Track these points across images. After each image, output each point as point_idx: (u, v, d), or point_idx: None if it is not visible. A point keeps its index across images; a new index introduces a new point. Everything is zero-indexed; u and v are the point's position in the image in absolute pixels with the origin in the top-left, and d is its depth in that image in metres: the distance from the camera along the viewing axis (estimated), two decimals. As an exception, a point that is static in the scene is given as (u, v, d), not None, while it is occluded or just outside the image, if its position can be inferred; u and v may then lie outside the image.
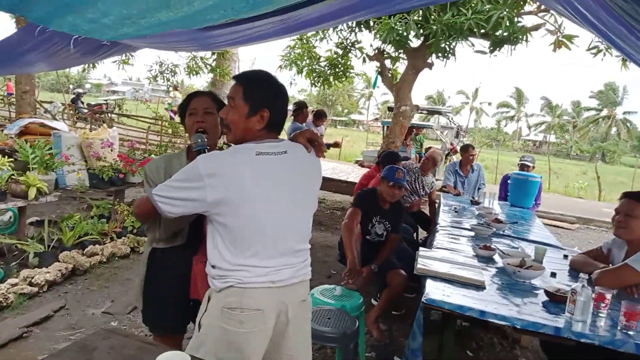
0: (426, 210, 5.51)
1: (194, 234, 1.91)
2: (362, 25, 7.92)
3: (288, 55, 8.67)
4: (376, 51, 8.24)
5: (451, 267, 2.49)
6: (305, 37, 8.66)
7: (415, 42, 7.29)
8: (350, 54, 8.66)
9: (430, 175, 5.14)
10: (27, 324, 3.10)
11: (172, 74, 8.95)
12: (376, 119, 53.59)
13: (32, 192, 3.90)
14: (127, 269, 4.33)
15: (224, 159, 1.51)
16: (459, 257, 2.78)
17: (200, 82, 44.32)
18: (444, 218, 4.16)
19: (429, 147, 9.64)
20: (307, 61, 8.69)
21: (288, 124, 6.20)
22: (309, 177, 1.67)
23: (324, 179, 7.85)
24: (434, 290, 2.17)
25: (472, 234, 3.62)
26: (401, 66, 8.46)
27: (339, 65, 8.83)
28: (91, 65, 10.35)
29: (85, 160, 5.17)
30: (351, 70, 8.97)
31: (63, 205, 5.64)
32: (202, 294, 1.74)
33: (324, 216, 7.49)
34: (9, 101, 12.82)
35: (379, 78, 8.51)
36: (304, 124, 6.09)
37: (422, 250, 2.84)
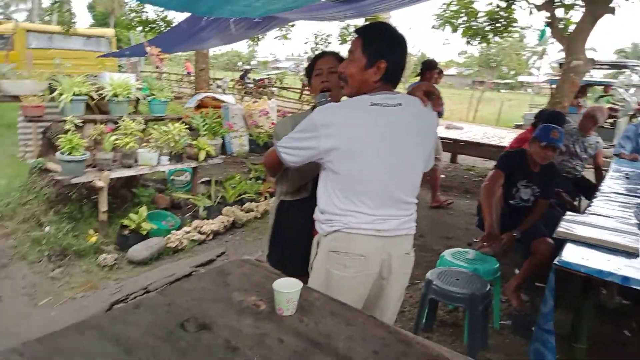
0: (591, 177, 4.82)
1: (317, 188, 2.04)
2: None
3: (442, 13, 8.26)
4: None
5: (599, 232, 2.19)
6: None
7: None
8: (513, 6, 7.85)
9: (593, 134, 4.44)
10: (195, 265, 3.69)
11: (326, 44, 9.30)
12: (548, 80, 47.56)
13: (202, 155, 4.57)
14: (277, 224, 4.80)
15: (338, 109, 1.58)
16: (614, 223, 2.42)
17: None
18: (609, 184, 3.63)
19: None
20: (464, 18, 8.16)
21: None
22: (421, 130, 1.64)
23: (474, 144, 7.43)
24: (572, 254, 1.95)
25: (640, 201, 3.08)
26: (575, 15, 7.33)
27: (500, 19, 8.08)
28: (256, 43, 11.37)
29: (247, 128, 5.81)
30: (514, 24, 8.15)
31: (227, 168, 6.44)
32: None
33: (471, 183, 7.10)
34: (189, 79, 15.00)
35: (547, 30, 7.52)
36: None
37: (568, 215, 2.54)
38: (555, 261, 1.90)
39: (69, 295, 3.11)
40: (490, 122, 15.10)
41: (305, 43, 9.57)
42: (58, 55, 13.20)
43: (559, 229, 2.25)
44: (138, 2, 8.87)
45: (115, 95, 4.15)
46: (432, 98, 1.66)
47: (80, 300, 3.05)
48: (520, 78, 56.14)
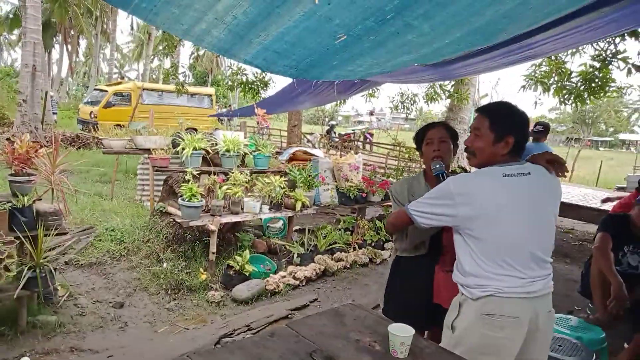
0: None
1: (434, 245, 2.18)
2: (624, 34, 6.93)
3: (532, 74, 8.25)
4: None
5: None
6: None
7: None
8: (610, 66, 7.65)
9: None
10: (291, 308, 3.92)
11: (412, 102, 9.60)
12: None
13: (298, 205, 4.92)
14: (365, 275, 4.94)
15: (473, 179, 1.77)
16: None
17: (439, 107, 44.86)
18: None
19: None
20: (555, 78, 8.09)
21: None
22: (550, 196, 1.79)
23: (572, 205, 7.08)
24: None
25: None
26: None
27: (595, 80, 7.90)
28: (343, 101, 12.03)
29: (335, 181, 6.14)
30: (612, 84, 7.90)
31: (318, 218, 6.77)
32: (443, 299, 2.03)
33: (571, 247, 6.75)
34: (269, 133, 16.18)
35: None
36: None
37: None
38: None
39: (183, 326, 3.47)
40: (589, 182, 14.17)
41: (392, 101, 9.92)
42: (166, 110, 14.98)
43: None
44: (239, 67, 9.93)
45: (227, 151, 4.69)
46: (555, 165, 1.80)
47: (192, 331, 3.39)
48: (622, 136, 52.09)
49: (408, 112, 10.23)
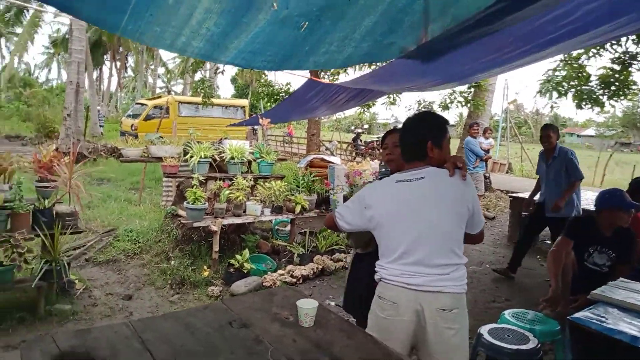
0: None
1: None
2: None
3: (548, 79, 8.20)
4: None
5: (636, 296, 2.22)
6: (569, 56, 8.04)
7: None
8: (631, 68, 7.53)
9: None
10: (284, 302, 4.23)
11: (428, 109, 9.78)
12: None
13: (298, 208, 5.24)
14: (362, 275, 5.17)
15: (376, 187, 2.05)
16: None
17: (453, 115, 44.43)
18: None
19: None
20: (574, 82, 8.01)
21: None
22: (447, 198, 1.89)
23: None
24: (590, 313, 2.05)
25: None
26: None
27: (615, 83, 7.78)
28: (365, 109, 12.32)
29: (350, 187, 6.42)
30: (633, 87, 7.76)
31: (321, 221, 7.04)
32: None
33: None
34: (290, 140, 17.31)
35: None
36: (475, 139, 7.78)
37: (621, 280, 2.56)
38: (569, 317, 2.02)
39: (180, 316, 3.86)
40: (622, 187, 13.57)
41: (409, 110, 10.14)
42: (202, 122, 15.80)
43: (594, 291, 2.32)
44: (265, 78, 10.46)
45: (232, 158, 5.10)
46: (459, 168, 1.94)
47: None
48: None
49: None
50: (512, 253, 5.37)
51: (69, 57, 12.41)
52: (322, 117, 13.79)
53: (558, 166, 4.97)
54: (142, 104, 18.19)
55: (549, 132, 5.04)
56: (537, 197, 5.33)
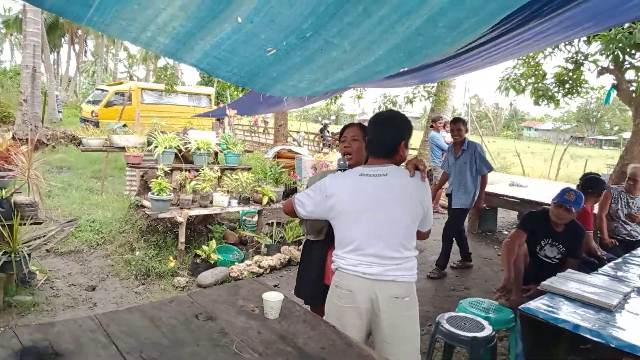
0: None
1: (331, 232, 2.47)
2: (597, 37, 7.17)
3: (506, 77, 8.51)
4: (612, 62, 7.28)
5: (581, 287, 2.39)
6: (528, 56, 8.35)
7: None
8: (582, 68, 7.91)
9: (641, 196, 4.40)
10: (250, 293, 4.27)
11: (392, 104, 9.92)
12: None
13: (265, 200, 5.27)
14: (328, 265, 5.27)
15: (338, 178, 2.09)
16: (609, 283, 2.57)
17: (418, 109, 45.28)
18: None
19: None
20: (531, 80, 8.35)
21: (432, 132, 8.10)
22: (406, 196, 1.99)
23: (532, 202, 7.21)
24: (539, 303, 2.20)
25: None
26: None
27: (569, 81, 8.16)
28: (333, 101, 12.37)
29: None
30: (585, 85, 8.17)
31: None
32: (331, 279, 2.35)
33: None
34: (256, 130, 17.53)
35: (613, 92, 7.47)
36: (439, 133, 8.04)
37: (569, 271, 2.73)
38: (520, 307, 2.17)
39: (144, 308, 3.84)
40: (574, 180, 14.29)
41: (374, 102, 10.29)
42: (166, 110, 15.44)
43: (544, 282, 2.48)
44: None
45: (198, 149, 5.05)
46: (419, 170, 2.03)
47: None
48: (626, 135, 51.78)
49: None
50: (459, 247, 5.48)
51: (23, 40, 11.84)
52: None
53: (466, 159, 5.06)
54: (103, 90, 17.57)
55: (459, 125, 5.13)
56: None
